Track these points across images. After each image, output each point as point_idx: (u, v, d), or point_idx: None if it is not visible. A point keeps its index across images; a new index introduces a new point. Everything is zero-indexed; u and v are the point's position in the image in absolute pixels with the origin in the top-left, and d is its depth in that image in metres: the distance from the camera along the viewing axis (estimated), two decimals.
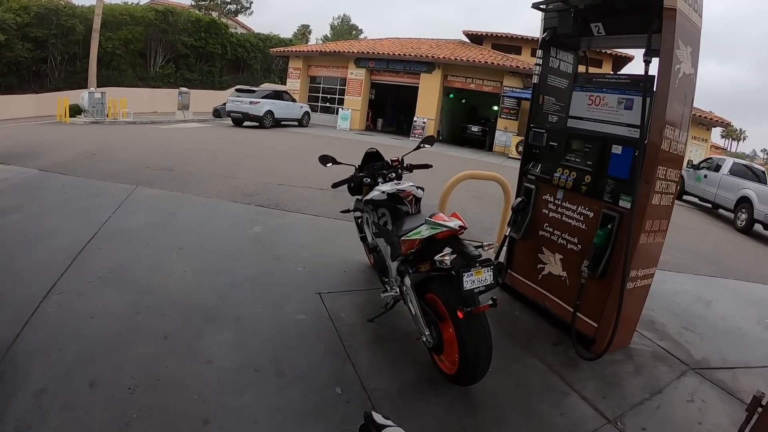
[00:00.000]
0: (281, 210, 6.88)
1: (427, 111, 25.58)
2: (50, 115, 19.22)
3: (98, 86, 23.06)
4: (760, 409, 2.85)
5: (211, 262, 4.66)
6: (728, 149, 66.85)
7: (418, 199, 3.80)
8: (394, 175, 4.19)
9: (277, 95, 22.36)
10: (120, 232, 5.07)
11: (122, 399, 2.62)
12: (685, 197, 15.81)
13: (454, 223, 3.03)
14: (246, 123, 20.98)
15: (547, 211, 4.34)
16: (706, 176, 14.78)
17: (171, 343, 3.22)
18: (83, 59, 26.38)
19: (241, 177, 8.76)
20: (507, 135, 23.75)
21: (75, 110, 18.70)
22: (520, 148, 19.95)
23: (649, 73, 3.46)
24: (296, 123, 23.81)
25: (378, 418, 0.71)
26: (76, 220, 5.24)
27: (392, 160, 4.33)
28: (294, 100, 24.12)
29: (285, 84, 31.00)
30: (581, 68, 4.67)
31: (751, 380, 3.85)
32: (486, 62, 23.88)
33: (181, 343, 3.25)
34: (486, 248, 3.15)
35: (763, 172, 14.22)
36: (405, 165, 4.32)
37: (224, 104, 22.97)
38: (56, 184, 6.57)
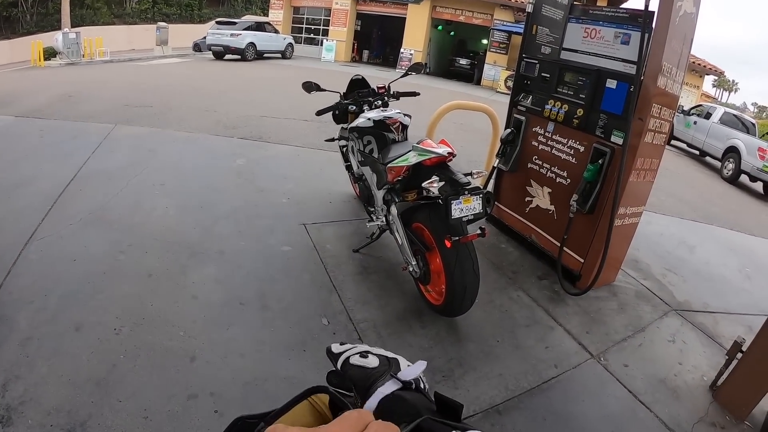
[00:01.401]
0: (264, 142, 6.78)
1: (415, 43, 24.91)
2: (24, 60, 18.53)
3: (72, 27, 22.11)
4: (740, 355, 2.91)
5: (194, 197, 4.60)
6: (719, 99, 65.80)
7: (405, 127, 3.69)
8: (380, 102, 4.08)
9: (259, 27, 21.60)
10: (100, 172, 4.96)
11: (108, 340, 2.61)
12: (673, 142, 15.71)
13: (442, 150, 2.95)
14: (227, 56, 20.38)
15: (536, 144, 4.28)
16: (695, 123, 14.62)
17: (155, 281, 3.20)
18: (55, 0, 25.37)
19: (222, 110, 8.56)
20: (496, 69, 23.20)
21: (50, 53, 18.02)
22: (509, 83, 19.90)
23: (649, 8, 3.30)
24: (279, 55, 23.17)
25: (335, 347, 0.67)
26: (55, 163, 5.12)
27: (378, 87, 4.21)
28: (277, 32, 23.35)
29: (267, 15, 29.96)
30: (577, 1, 4.48)
31: (730, 326, 3.93)
32: None
33: (165, 280, 3.23)
34: (475, 176, 3.08)
35: (753, 124, 14.14)
36: (392, 92, 4.20)
37: (204, 38, 22.21)
38: (33, 129, 6.37)
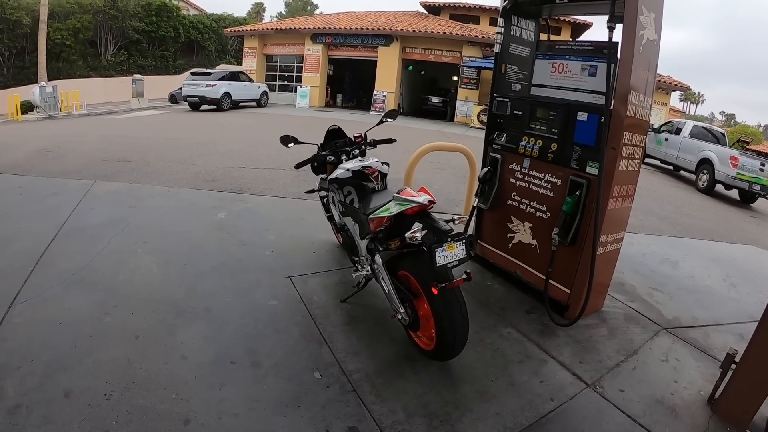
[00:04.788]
0: (244, 194, 6.80)
1: (387, 84, 25.52)
2: (1, 114, 18.51)
3: (49, 80, 22.32)
4: (733, 366, 2.97)
5: (177, 253, 4.58)
6: (687, 112, 67.97)
7: (384, 175, 3.76)
8: (357, 151, 4.15)
9: (233, 76, 21.97)
10: (81, 230, 4.93)
11: (99, 406, 2.57)
12: (646, 160, 16.17)
13: (422, 198, 3.01)
14: (203, 107, 20.64)
15: (514, 180, 4.38)
16: (666, 139, 15.21)
17: (143, 343, 3.16)
18: (32, 53, 25.55)
19: (201, 162, 8.62)
20: (468, 105, 23.91)
21: (27, 107, 18.03)
22: (482, 117, 20.23)
23: (613, 39, 3.47)
24: (255, 103, 23.57)
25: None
26: (35, 221, 5.08)
27: (355, 137, 4.28)
28: (251, 81, 23.75)
29: (241, 64, 30.40)
30: (543, 36, 4.65)
31: (721, 337, 4.01)
32: (444, 33, 23.81)
33: (153, 341, 3.19)
34: (456, 222, 3.16)
35: (723, 134, 14.82)
36: (368, 141, 4.28)
37: (180, 89, 22.47)
38: (11, 186, 6.33)
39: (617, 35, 3.45)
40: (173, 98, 25.45)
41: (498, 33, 4.44)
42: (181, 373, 2.89)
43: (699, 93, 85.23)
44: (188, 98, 20.53)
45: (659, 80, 24.17)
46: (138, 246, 4.67)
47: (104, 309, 3.52)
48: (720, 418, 2.96)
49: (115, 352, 3.03)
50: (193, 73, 21.19)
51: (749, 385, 2.87)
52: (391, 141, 4.52)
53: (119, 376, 2.81)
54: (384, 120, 4.35)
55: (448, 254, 2.82)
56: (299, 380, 2.93)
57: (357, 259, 3.84)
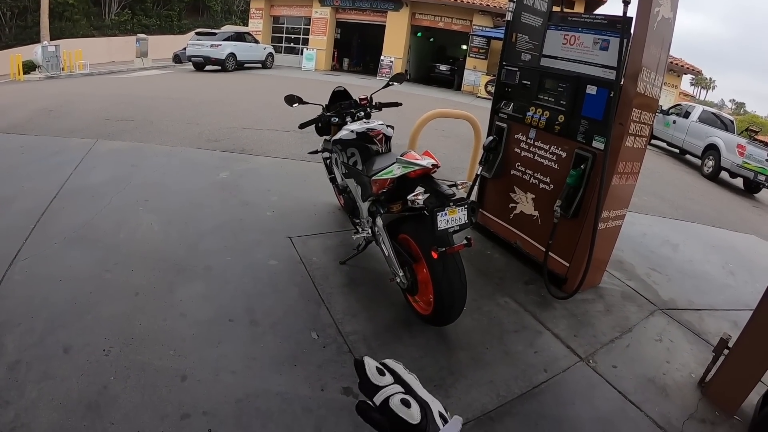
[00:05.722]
0: (247, 154, 6.77)
1: (395, 50, 25.05)
2: (3, 74, 18.32)
3: (51, 39, 21.98)
4: (726, 351, 2.97)
5: (178, 212, 4.58)
6: (697, 97, 66.83)
7: (388, 138, 3.72)
8: (362, 114, 4.11)
9: (239, 37, 21.63)
10: (82, 189, 4.93)
11: (98, 362, 2.59)
12: (653, 141, 16.00)
13: (426, 162, 2.97)
14: (208, 67, 20.38)
15: (519, 151, 4.34)
16: (674, 122, 14.95)
17: (142, 300, 3.18)
18: (34, 12, 25.18)
19: (204, 123, 8.55)
20: (476, 74, 23.42)
21: (29, 67, 17.85)
22: (489, 88, 19.97)
23: (628, 14, 3.38)
24: (260, 65, 23.23)
25: (372, 374, 0.65)
26: (37, 180, 5.07)
27: (361, 99, 4.24)
28: (257, 42, 23.38)
29: (247, 25, 29.93)
30: (555, 8, 4.54)
31: (716, 323, 4.02)
32: (456, 0, 23.16)
33: (153, 298, 3.21)
34: (459, 187, 3.11)
35: (732, 122, 14.52)
36: (374, 103, 4.23)
37: (184, 49, 22.15)
38: (13, 146, 6.31)
39: (632, 10, 3.36)
40: (177, 58, 25.14)
41: (511, 1, 4.33)
42: (179, 330, 2.91)
43: (710, 79, 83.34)
44: (192, 58, 20.26)
45: (671, 62, 23.70)
46: (139, 204, 4.66)
47: (104, 266, 3.53)
48: (709, 402, 2.98)
49: (115, 308, 3.05)
50: (198, 33, 20.86)
51: (740, 372, 2.88)
52: (396, 105, 4.47)
53: (118, 332, 2.83)
54: (390, 83, 4.29)
55: (450, 219, 2.79)
56: (296, 340, 2.95)
57: (358, 221, 3.82)
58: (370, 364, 0.65)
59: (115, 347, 2.71)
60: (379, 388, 0.63)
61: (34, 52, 18.40)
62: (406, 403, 0.61)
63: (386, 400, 0.62)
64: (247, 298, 3.32)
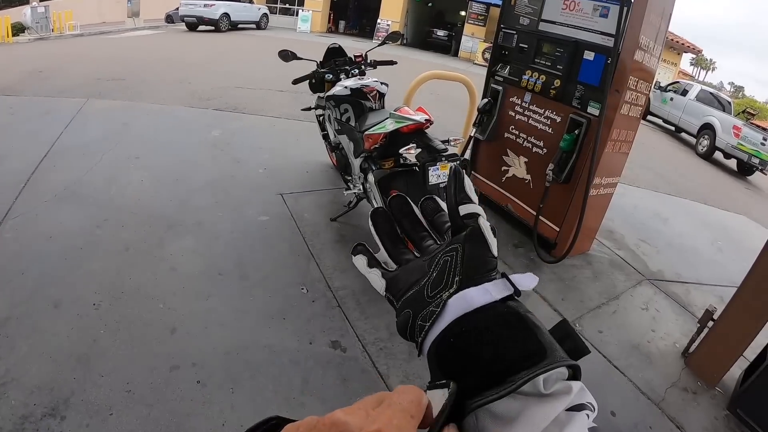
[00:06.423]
0: (239, 113, 6.71)
1: (392, 13, 24.62)
2: None
3: (41, 0, 21.59)
4: (711, 323, 3.00)
5: (170, 169, 4.57)
6: (696, 77, 65.71)
7: (382, 95, 3.70)
8: (357, 71, 4.07)
9: None
10: (73, 147, 4.88)
11: (88, 316, 2.62)
12: (649, 118, 15.97)
13: (420, 117, 2.95)
14: (201, 27, 19.98)
15: (513, 114, 4.31)
16: (672, 99, 14.80)
17: (133, 255, 3.19)
18: None
19: (196, 82, 8.43)
20: (474, 41, 23.19)
21: (18, 28, 17.47)
22: (486, 55, 19.68)
23: None
24: (254, 26, 22.74)
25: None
26: (27, 140, 5.02)
27: (355, 56, 4.19)
28: (251, 2, 22.86)
29: None
30: None
31: (702, 296, 4.07)
32: None
33: (143, 253, 3.22)
34: (452, 143, 3.09)
35: (729, 102, 14.34)
36: (369, 61, 4.19)
37: (177, 9, 21.70)
38: (3, 106, 6.22)
39: None
40: (170, 18, 24.61)
41: None
42: (169, 284, 2.93)
43: (710, 60, 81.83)
44: (185, 18, 19.83)
45: (672, 39, 23.35)
46: (130, 162, 4.63)
47: (95, 222, 3.53)
48: (692, 372, 3.03)
49: (105, 263, 3.07)
50: None
51: (724, 344, 2.93)
52: (392, 63, 4.43)
53: (108, 286, 2.85)
54: (386, 41, 4.25)
55: (441, 174, 2.79)
56: (286, 294, 2.97)
57: (349, 178, 3.82)
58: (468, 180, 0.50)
59: (105, 301, 2.73)
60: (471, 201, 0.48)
61: (23, 13, 17.98)
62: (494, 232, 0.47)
63: (472, 215, 0.47)
64: (238, 253, 3.33)
